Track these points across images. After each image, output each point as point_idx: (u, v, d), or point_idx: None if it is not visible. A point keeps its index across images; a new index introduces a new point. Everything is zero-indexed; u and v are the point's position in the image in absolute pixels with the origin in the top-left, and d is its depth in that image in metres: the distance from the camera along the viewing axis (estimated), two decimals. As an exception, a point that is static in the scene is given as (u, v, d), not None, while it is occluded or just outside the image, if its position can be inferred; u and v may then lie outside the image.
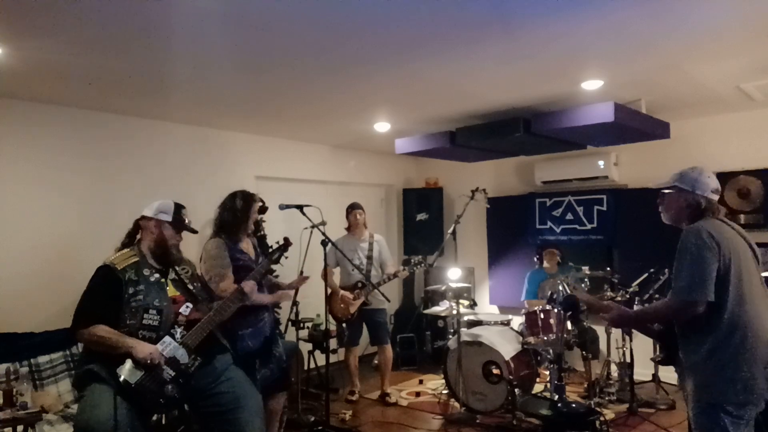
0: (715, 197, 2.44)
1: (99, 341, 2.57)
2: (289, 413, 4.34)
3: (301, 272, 4.05)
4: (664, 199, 2.52)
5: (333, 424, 4.28)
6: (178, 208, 2.93)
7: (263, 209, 4.88)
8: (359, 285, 4.97)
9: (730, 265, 2.24)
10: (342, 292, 4.94)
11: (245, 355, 3.31)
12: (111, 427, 2.39)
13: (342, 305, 4.93)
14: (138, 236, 2.90)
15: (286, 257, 3.30)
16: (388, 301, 4.75)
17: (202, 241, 4.54)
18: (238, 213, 3.48)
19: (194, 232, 3.02)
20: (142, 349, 2.57)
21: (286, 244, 3.30)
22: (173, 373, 2.63)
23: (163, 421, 3.09)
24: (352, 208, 5.15)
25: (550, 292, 4.86)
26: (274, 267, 3.35)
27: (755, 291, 2.29)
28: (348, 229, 5.19)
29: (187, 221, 2.95)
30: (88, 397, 2.55)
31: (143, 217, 2.89)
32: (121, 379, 2.51)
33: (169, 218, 2.87)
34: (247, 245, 3.57)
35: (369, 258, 5.07)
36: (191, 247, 3.33)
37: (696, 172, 2.45)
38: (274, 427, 3.71)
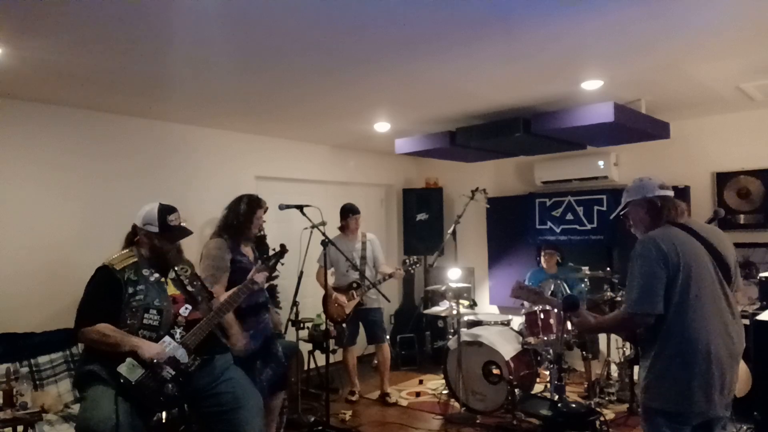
0: (667, 192, 2.45)
1: (102, 340, 2.57)
2: (289, 413, 4.34)
3: (302, 271, 4.05)
4: (629, 220, 2.56)
5: (333, 424, 4.28)
6: (164, 215, 2.78)
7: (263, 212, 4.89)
8: (354, 285, 4.97)
9: (677, 275, 2.22)
10: (335, 294, 4.94)
11: (248, 356, 3.32)
12: (112, 427, 2.39)
13: (337, 306, 4.93)
14: (137, 238, 2.89)
15: (282, 263, 3.29)
16: (388, 301, 4.75)
17: (202, 240, 4.55)
18: (240, 217, 3.48)
19: (187, 234, 2.89)
20: (149, 348, 2.58)
21: (282, 251, 3.29)
22: (173, 373, 2.63)
23: (163, 420, 3.08)
24: (352, 213, 5.12)
25: (550, 292, 4.87)
26: (272, 276, 3.33)
27: (705, 301, 2.23)
28: (341, 229, 5.18)
29: (177, 225, 2.82)
30: (89, 398, 2.56)
31: (134, 226, 2.86)
32: (121, 377, 2.51)
33: (156, 230, 2.77)
34: (246, 248, 3.58)
35: (363, 258, 5.07)
36: (192, 247, 3.32)
37: (637, 180, 2.54)
38: (272, 426, 3.72)
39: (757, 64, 3.74)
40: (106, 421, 2.41)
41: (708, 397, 2.19)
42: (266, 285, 3.62)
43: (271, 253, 3.28)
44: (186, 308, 2.80)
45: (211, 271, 3.33)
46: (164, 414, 2.99)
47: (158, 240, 2.79)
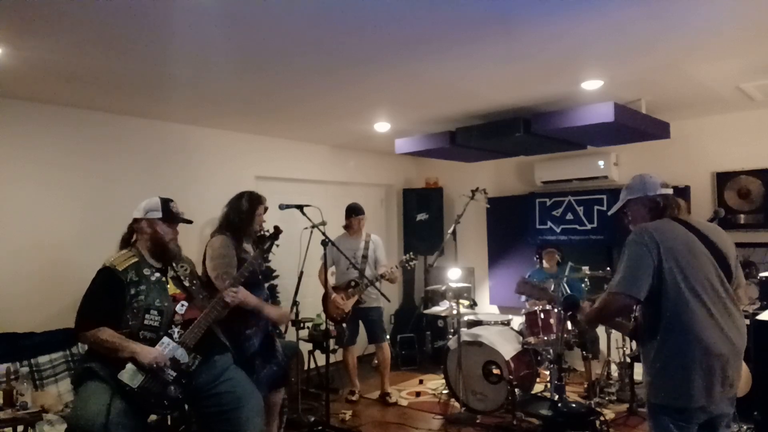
0: (668, 191, 2.45)
1: (102, 344, 2.58)
2: (289, 413, 4.34)
3: (302, 271, 4.07)
4: (629, 217, 2.55)
5: (333, 424, 4.27)
6: (166, 201, 2.89)
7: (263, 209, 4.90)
8: (352, 284, 4.97)
9: (672, 267, 2.22)
10: (332, 294, 4.94)
11: (251, 354, 3.32)
12: (101, 425, 2.38)
13: (336, 305, 4.93)
14: (133, 238, 2.89)
15: (278, 245, 3.28)
16: (388, 300, 4.75)
17: (202, 239, 4.55)
18: (243, 214, 3.47)
19: (188, 222, 2.98)
20: (147, 353, 2.57)
21: (276, 232, 3.28)
22: (174, 374, 2.63)
23: (169, 422, 3.08)
24: (356, 213, 5.14)
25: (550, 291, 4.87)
26: (267, 259, 3.30)
27: (704, 296, 2.22)
28: (346, 228, 5.19)
29: (178, 212, 2.91)
30: (81, 393, 2.56)
31: (135, 220, 2.87)
32: (123, 383, 2.51)
33: (160, 214, 2.83)
34: (247, 245, 3.57)
35: (364, 257, 5.08)
36: (192, 246, 3.33)
37: (638, 178, 2.52)
38: (273, 422, 3.72)
39: (757, 64, 3.74)
40: (96, 417, 2.40)
41: (709, 392, 2.18)
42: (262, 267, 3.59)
43: (266, 236, 3.27)
44: (182, 305, 2.79)
45: (225, 269, 3.29)
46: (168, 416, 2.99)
47: (161, 226, 2.83)
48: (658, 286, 2.23)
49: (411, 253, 5.17)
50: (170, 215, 2.87)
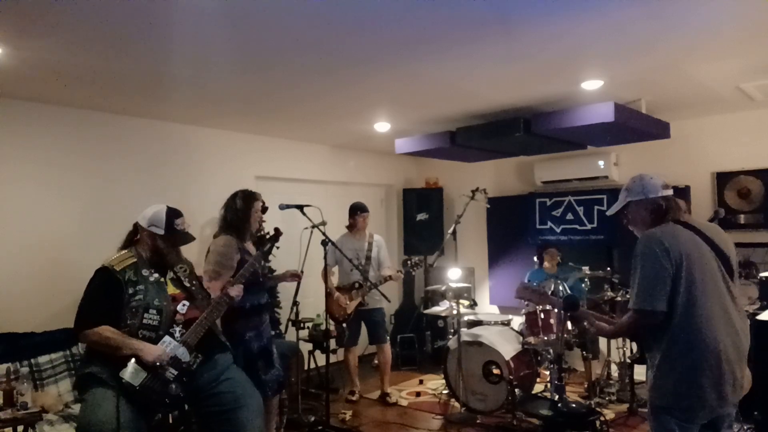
0: (669, 192, 2.43)
1: (104, 342, 2.58)
2: (289, 413, 4.34)
3: (302, 271, 4.07)
4: (628, 218, 2.52)
5: (333, 424, 4.28)
6: (171, 218, 2.80)
7: (263, 209, 4.90)
8: (356, 285, 4.97)
9: (681, 272, 2.21)
10: (337, 293, 4.94)
11: (252, 356, 3.32)
12: (113, 427, 2.40)
13: (339, 306, 4.93)
14: (137, 237, 2.89)
15: (278, 247, 3.28)
16: (389, 301, 4.75)
17: (202, 240, 4.56)
18: (239, 213, 3.47)
19: (190, 240, 2.91)
20: (150, 351, 2.57)
21: (277, 234, 3.28)
22: (176, 372, 2.63)
23: (170, 420, 3.08)
24: (361, 211, 5.13)
25: (550, 292, 4.86)
26: (268, 259, 3.30)
27: (711, 298, 2.22)
28: (349, 228, 5.19)
29: (182, 229, 2.84)
30: (89, 399, 2.56)
31: (138, 225, 2.86)
32: (125, 381, 2.51)
33: (161, 232, 2.79)
34: (250, 246, 3.58)
35: (368, 258, 5.07)
36: (192, 247, 3.32)
37: (638, 179, 2.47)
38: (272, 425, 3.72)
39: (757, 64, 3.75)
40: (108, 422, 2.41)
41: (719, 394, 2.18)
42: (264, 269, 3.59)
43: (266, 238, 3.27)
44: (183, 305, 2.79)
45: (215, 267, 3.31)
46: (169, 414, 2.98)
47: (161, 242, 2.80)
48: (671, 291, 2.22)
49: (417, 257, 5.16)
50: (171, 233, 2.81)
